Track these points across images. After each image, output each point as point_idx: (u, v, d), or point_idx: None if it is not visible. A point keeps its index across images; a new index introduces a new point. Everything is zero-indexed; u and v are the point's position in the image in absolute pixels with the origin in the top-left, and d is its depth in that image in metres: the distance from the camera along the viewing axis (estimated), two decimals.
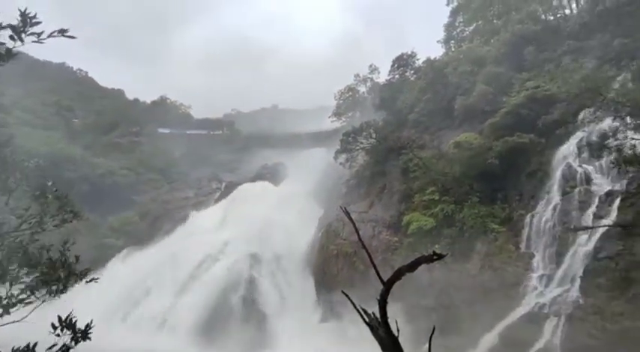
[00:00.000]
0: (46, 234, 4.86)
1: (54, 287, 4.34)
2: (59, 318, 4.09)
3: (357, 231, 4.94)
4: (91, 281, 4.75)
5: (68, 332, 4.03)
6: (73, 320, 4.09)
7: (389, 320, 4.02)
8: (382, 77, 56.09)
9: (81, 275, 4.61)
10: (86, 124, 64.26)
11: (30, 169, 5.10)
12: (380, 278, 4.16)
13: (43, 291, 4.32)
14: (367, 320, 4.15)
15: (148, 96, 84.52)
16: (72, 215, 4.96)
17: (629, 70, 27.42)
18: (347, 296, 4.63)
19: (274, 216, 41.13)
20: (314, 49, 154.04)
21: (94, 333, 4.29)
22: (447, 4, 57.39)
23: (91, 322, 4.15)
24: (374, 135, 38.21)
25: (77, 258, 4.64)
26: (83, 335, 4.08)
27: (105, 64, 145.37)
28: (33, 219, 4.75)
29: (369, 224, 32.21)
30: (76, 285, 4.60)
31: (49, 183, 4.83)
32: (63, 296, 4.64)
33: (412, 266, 4.01)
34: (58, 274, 4.43)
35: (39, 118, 57.67)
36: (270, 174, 55.42)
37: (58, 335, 4.00)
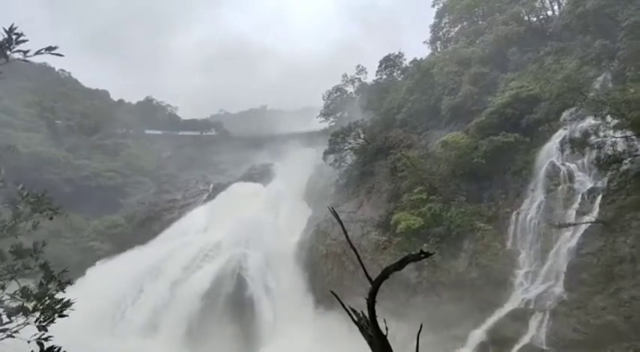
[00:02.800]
0: (21, 237, 4.63)
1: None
2: (40, 345, 3.93)
3: (344, 231, 4.94)
4: (66, 283, 4.52)
5: None
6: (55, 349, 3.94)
7: (377, 319, 4.03)
8: (370, 78, 56.39)
9: (58, 278, 4.42)
10: (69, 126, 62.92)
11: (7, 171, 4.90)
12: (368, 277, 4.17)
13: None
14: (356, 319, 4.15)
15: (134, 98, 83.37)
16: (50, 213, 4.72)
17: (609, 70, 28.13)
18: (336, 296, 4.63)
19: (263, 217, 40.96)
20: (307, 50, 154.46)
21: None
22: (433, 6, 58.00)
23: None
24: (362, 136, 38.36)
25: (45, 264, 4.42)
26: None
27: (89, 65, 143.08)
28: (4, 226, 4.54)
29: (357, 223, 32.30)
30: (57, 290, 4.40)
31: (20, 187, 4.58)
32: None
33: (400, 265, 4.03)
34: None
35: (20, 120, 56.26)
36: (259, 175, 55.15)
37: None
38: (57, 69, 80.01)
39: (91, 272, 36.69)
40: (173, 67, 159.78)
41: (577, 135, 23.51)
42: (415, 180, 30.99)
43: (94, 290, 29.48)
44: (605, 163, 20.19)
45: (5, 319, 4.03)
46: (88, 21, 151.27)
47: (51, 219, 4.74)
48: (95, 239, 45.06)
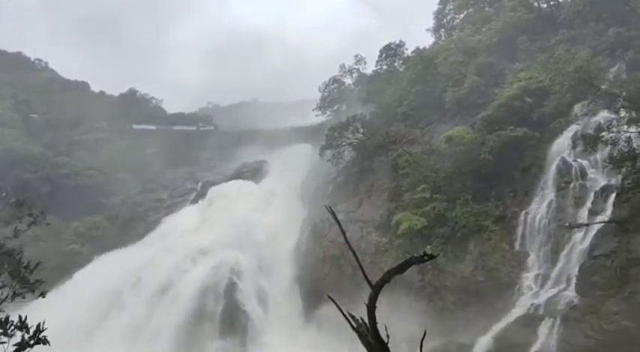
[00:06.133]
0: None
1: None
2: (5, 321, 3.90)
3: (343, 232, 4.97)
4: (41, 295, 4.47)
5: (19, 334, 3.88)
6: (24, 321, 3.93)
7: (378, 326, 4.06)
8: (369, 68, 56.27)
9: (33, 286, 4.38)
10: (47, 120, 62.48)
11: None
12: (368, 281, 4.19)
13: None
14: (355, 326, 4.18)
15: (121, 91, 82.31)
16: (31, 220, 4.70)
17: (623, 60, 28.30)
18: (333, 301, 4.65)
19: (255, 218, 40.90)
20: (307, 39, 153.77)
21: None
22: None
23: (43, 324, 3.99)
24: (361, 130, 38.35)
25: (28, 264, 4.39)
26: (35, 336, 3.93)
27: (74, 54, 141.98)
28: None
29: (357, 224, 32.39)
30: (31, 297, 4.36)
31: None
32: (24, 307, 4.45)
33: (402, 268, 4.05)
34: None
35: None
36: (251, 173, 54.94)
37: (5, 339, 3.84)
38: (32, 58, 79.45)
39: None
40: (164, 59, 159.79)
41: (589, 130, 23.65)
42: (418, 177, 31.07)
43: (67, 300, 29.30)
44: (620, 160, 20.33)
45: None
46: (78, 8, 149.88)
47: (29, 226, 4.71)
48: (75, 242, 44.79)
